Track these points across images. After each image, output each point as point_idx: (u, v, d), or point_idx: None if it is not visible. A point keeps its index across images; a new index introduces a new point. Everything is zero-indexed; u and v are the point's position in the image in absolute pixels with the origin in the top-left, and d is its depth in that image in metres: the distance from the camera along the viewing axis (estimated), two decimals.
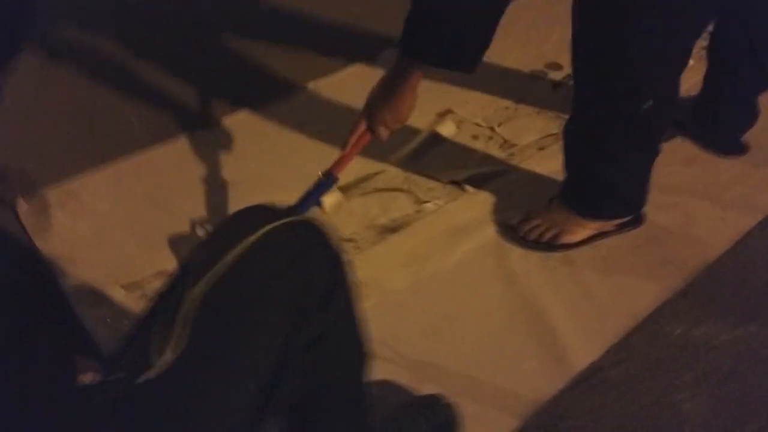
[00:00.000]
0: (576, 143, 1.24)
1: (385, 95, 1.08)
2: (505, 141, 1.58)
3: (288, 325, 0.56)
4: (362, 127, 1.13)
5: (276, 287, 0.56)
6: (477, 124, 1.63)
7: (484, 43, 0.99)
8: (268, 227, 0.57)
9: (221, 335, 0.54)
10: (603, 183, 1.23)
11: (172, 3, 2.15)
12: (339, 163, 1.18)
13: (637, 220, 1.32)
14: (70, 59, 1.90)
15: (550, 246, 1.29)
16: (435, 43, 0.98)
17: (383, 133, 1.12)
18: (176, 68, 1.88)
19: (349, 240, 1.33)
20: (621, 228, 1.31)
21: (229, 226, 0.60)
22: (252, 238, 0.56)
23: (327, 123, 1.62)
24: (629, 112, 1.10)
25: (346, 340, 0.67)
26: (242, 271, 0.56)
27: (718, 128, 1.49)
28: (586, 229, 1.29)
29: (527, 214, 1.33)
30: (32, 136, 1.61)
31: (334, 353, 0.64)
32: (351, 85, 1.76)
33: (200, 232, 1.37)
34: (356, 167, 1.48)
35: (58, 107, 1.72)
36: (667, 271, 1.26)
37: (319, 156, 1.49)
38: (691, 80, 1.53)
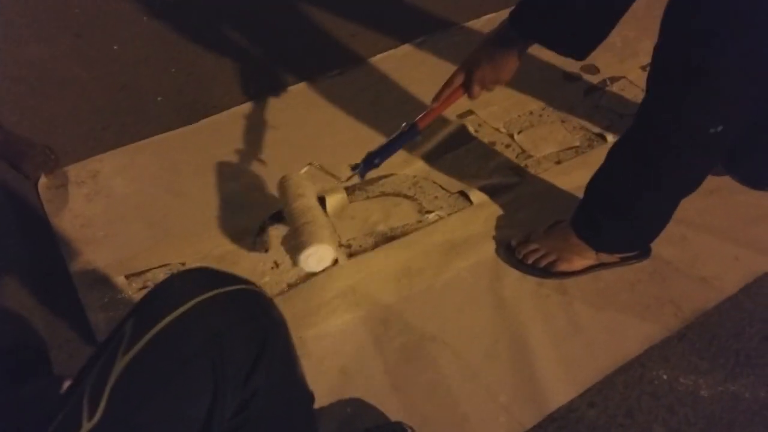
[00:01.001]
0: (620, 162, 1.14)
1: (489, 55, 1.04)
2: (523, 150, 1.54)
3: (209, 394, 0.58)
4: (457, 82, 1.10)
5: (197, 360, 0.58)
6: (497, 130, 1.59)
7: (602, 35, 0.96)
8: (198, 298, 0.59)
9: (139, 406, 0.57)
10: (627, 212, 1.16)
11: None
12: (426, 116, 1.14)
13: (643, 255, 1.27)
14: (99, 37, 1.94)
15: (547, 272, 1.26)
16: (550, 27, 0.96)
17: (477, 91, 1.09)
18: (205, 46, 1.89)
19: (346, 246, 1.34)
20: (624, 261, 1.27)
21: (166, 290, 0.62)
22: (181, 309, 0.58)
23: (372, 100, 1.68)
24: (696, 133, 1.00)
25: (279, 400, 0.68)
26: (165, 343, 0.57)
27: (751, 161, 1.40)
28: (587, 259, 1.25)
29: (527, 237, 1.30)
30: (60, 112, 1.67)
31: (265, 412, 0.66)
32: (405, 63, 1.80)
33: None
34: None
35: (86, 85, 1.77)
36: (664, 311, 1.21)
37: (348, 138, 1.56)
38: None
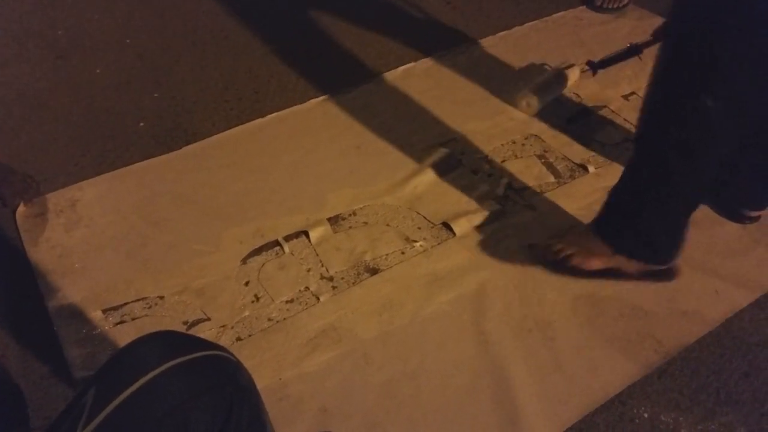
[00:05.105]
0: (632, 163, 1.19)
1: None
2: (506, 180, 1.54)
3: None
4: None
5: None
6: (480, 158, 1.59)
7: None
8: (162, 368, 0.58)
9: None
10: (638, 215, 1.21)
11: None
12: (645, 44, 1.51)
13: (664, 275, 1.29)
14: (82, 59, 1.93)
15: (563, 265, 1.30)
16: None
17: None
18: (189, 69, 1.88)
19: (328, 279, 1.33)
20: (644, 276, 1.28)
21: (129, 358, 0.60)
22: (144, 380, 0.57)
23: (364, 123, 1.70)
24: (687, 105, 1.02)
25: None
26: (127, 416, 0.56)
27: (730, 192, 1.41)
28: (602, 260, 1.27)
29: (550, 239, 1.36)
30: (39, 136, 1.65)
31: None
32: (420, 76, 1.88)
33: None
34: (347, 198, 1.48)
35: (67, 108, 1.75)
36: (644, 346, 1.21)
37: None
38: None
